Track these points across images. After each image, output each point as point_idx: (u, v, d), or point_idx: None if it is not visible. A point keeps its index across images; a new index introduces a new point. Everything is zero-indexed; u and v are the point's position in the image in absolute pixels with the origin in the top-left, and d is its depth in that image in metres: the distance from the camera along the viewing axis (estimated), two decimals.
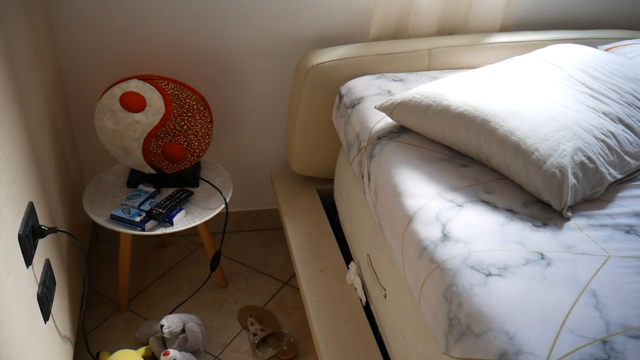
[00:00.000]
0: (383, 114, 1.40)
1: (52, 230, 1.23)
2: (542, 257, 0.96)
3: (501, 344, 0.81)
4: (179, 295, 1.81)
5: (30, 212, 1.16)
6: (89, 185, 1.68)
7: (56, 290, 1.32)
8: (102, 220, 1.55)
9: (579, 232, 1.03)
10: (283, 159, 2.01)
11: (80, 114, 1.76)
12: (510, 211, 1.08)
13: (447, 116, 1.22)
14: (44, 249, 1.26)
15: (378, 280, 1.32)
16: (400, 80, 1.58)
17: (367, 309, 1.41)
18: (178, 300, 1.78)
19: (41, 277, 1.21)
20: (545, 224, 1.05)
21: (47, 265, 1.27)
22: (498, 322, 0.84)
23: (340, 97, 1.57)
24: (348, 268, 1.50)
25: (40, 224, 1.22)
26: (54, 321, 1.29)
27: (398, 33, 1.76)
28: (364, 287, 1.42)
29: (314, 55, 1.65)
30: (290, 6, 1.71)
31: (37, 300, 1.16)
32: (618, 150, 1.19)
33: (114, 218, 1.56)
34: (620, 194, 1.16)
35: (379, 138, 1.33)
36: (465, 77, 1.36)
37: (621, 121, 1.26)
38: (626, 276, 0.92)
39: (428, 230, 1.04)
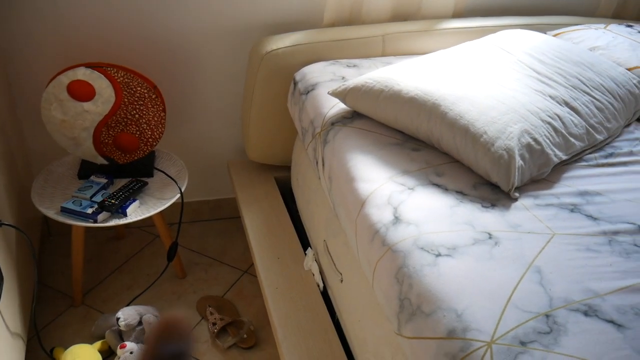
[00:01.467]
0: (337, 100, 1.40)
1: None
2: (490, 236, 0.98)
3: (449, 322, 0.83)
4: (136, 287, 1.78)
5: None
6: (38, 177, 1.63)
7: (4, 287, 1.28)
8: (52, 213, 1.51)
9: (525, 211, 1.06)
10: (240, 147, 1.99)
11: (27, 104, 1.70)
12: (461, 193, 1.10)
13: (398, 101, 1.23)
14: None
15: (334, 265, 1.32)
16: (355, 66, 1.58)
17: (325, 294, 1.42)
18: (135, 293, 1.75)
19: None
20: (493, 204, 1.07)
21: None
22: (446, 301, 0.85)
23: (295, 83, 1.56)
24: (305, 254, 1.51)
25: None
26: (3, 318, 1.25)
27: (352, 19, 1.76)
28: (321, 272, 1.43)
29: (268, 41, 1.63)
30: None
31: None
32: (563, 132, 1.22)
33: (65, 210, 1.51)
34: (565, 175, 1.19)
35: (332, 124, 1.33)
36: (417, 63, 1.37)
37: (567, 104, 1.29)
38: (569, 253, 0.95)
39: (380, 214, 1.05)
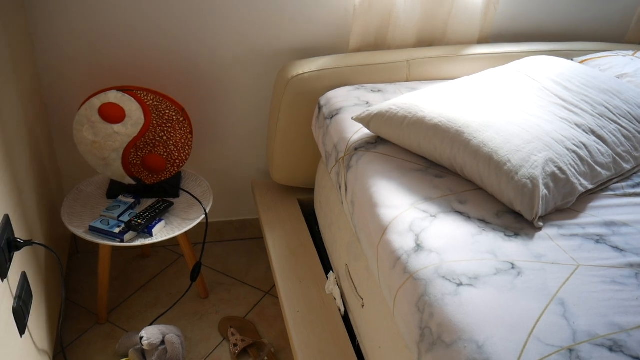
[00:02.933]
0: (361, 125, 1.41)
1: (28, 243, 1.22)
2: (513, 266, 0.97)
3: (470, 353, 0.82)
4: (160, 306, 1.80)
5: (6, 224, 1.16)
6: (68, 196, 1.67)
7: (33, 304, 1.31)
8: (80, 232, 1.54)
9: (549, 241, 1.05)
10: (264, 168, 2.01)
11: (60, 125, 1.76)
12: (483, 221, 1.09)
13: (422, 127, 1.24)
14: (20, 262, 1.25)
15: (356, 289, 1.32)
16: (379, 91, 1.60)
17: (346, 318, 1.42)
18: (158, 312, 1.78)
19: (17, 290, 1.21)
20: (516, 233, 1.06)
21: (24, 278, 1.26)
22: (468, 332, 0.85)
23: (320, 107, 1.58)
24: (327, 278, 1.51)
25: (16, 236, 1.22)
26: (31, 335, 1.28)
27: (377, 44, 1.78)
28: (342, 296, 1.43)
29: (294, 66, 1.66)
30: (270, 17, 1.72)
31: (12, 314, 1.15)
32: (589, 161, 1.21)
33: (93, 230, 1.55)
34: (591, 204, 1.18)
35: (356, 149, 1.34)
36: (441, 89, 1.37)
37: (593, 132, 1.28)
38: (594, 285, 0.94)
39: (402, 241, 1.05)
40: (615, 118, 1.35)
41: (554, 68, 1.49)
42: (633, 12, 1.99)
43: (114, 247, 1.94)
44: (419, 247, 1.02)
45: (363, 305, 1.28)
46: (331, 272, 1.51)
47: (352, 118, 1.39)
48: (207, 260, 2.01)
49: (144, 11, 1.63)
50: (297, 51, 1.80)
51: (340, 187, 1.37)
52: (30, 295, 1.29)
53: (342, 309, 1.41)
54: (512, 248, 1.02)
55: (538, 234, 1.06)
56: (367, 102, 1.52)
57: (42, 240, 1.50)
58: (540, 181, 1.10)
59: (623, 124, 1.34)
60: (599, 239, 1.06)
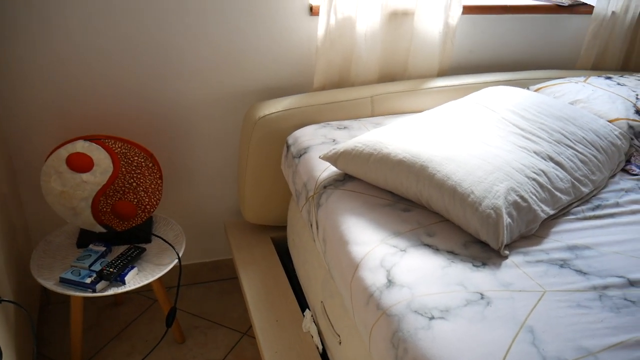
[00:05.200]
0: (328, 163, 1.44)
1: None
2: (482, 296, 1.00)
3: None
4: (136, 354, 1.77)
5: None
6: (37, 248, 1.65)
7: None
8: (50, 284, 1.52)
9: (516, 269, 1.08)
10: (236, 208, 2.02)
11: (27, 176, 1.74)
12: (452, 253, 1.12)
13: (387, 164, 1.27)
14: None
15: (332, 327, 1.33)
16: (345, 128, 1.63)
17: (324, 355, 1.42)
18: None
19: None
20: (484, 263, 1.09)
21: None
22: None
23: (288, 147, 1.61)
24: (304, 315, 1.51)
25: None
26: None
27: (341, 81, 1.82)
28: (320, 334, 1.43)
29: (261, 106, 1.69)
30: (235, 59, 1.76)
31: None
32: (549, 187, 1.25)
33: (64, 281, 1.53)
34: (554, 229, 1.22)
35: (324, 187, 1.36)
36: (404, 124, 1.42)
37: (551, 159, 1.33)
38: (561, 310, 0.97)
39: (374, 277, 1.07)
40: (571, 144, 1.41)
41: (511, 98, 1.55)
42: (582, 39, 2.09)
43: (86, 297, 1.90)
44: (390, 282, 1.04)
45: (340, 342, 1.28)
46: (307, 310, 1.51)
47: (319, 157, 1.42)
48: (182, 303, 1.99)
49: (110, 58, 1.65)
50: (263, 91, 1.83)
51: (311, 225, 1.38)
52: None
53: (320, 347, 1.41)
54: (480, 278, 1.04)
55: (505, 263, 1.10)
56: (334, 140, 1.55)
57: (11, 294, 1.47)
58: (504, 210, 1.13)
59: (579, 149, 1.40)
60: (563, 264, 1.10)
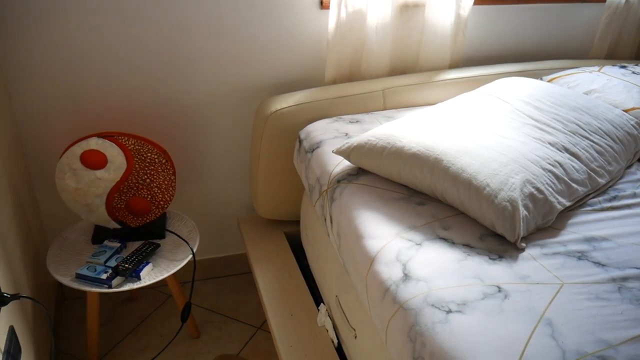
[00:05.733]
0: (341, 157, 1.44)
1: (15, 297, 1.21)
2: (499, 289, 0.99)
3: None
4: (151, 349, 1.78)
5: None
6: (53, 244, 1.66)
7: (22, 357, 1.29)
8: (67, 280, 1.53)
9: (533, 262, 1.07)
10: (249, 203, 2.02)
11: (41, 173, 1.75)
12: (467, 246, 1.11)
13: (401, 157, 1.26)
14: (7, 316, 1.24)
15: (347, 321, 1.33)
16: (357, 121, 1.63)
17: (340, 350, 1.42)
18: (150, 355, 1.76)
19: (5, 345, 1.19)
20: (501, 256, 1.08)
21: (12, 332, 1.24)
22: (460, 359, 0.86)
23: (300, 141, 1.60)
24: (318, 310, 1.51)
25: (2, 291, 1.20)
26: None
27: (352, 75, 1.81)
28: (335, 328, 1.43)
29: (272, 101, 1.69)
30: (246, 55, 1.75)
31: None
32: (565, 178, 1.24)
33: (80, 277, 1.54)
34: (571, 221, 1.21)
35: (338, 181, 1.36)
36: (417, 117, 1.41)
37: (567, 150, 1.32)
38: (579, 302, 0.96)
39: (390, 271, 1.06)
40: (586, 134, 1.39)
41: (525, 89, 1.53)
42: (596, 28, 2.07)
43: (102, 293, 1.92)
44: (406, 276, 1.04)
45: (355, 336, 1.28)
46: (322, 304, 1.51)
47: (332, 151, 1.41)
48: (196, 298, 2.00)
49: (121, 56, 1.65)
50: (275, 86, 1.83)
51: (325, 220, 1.38)
52: (18, 349, 1.27)
53: (335, 341, 1.42)
54: (497, 271, 1.04)
55: (521, 255, 1.09)
56: (346, 134, 1.54)
57: (29, 290, 1.48)
58: (520, 203, 1.12)
59: (595, 140, 1.39)
60: (581, 256, 1.09)
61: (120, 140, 1.56)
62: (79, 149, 1.54)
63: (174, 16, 1.64)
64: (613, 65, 1.82)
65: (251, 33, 1.73)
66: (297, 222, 1.87)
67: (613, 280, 1.02)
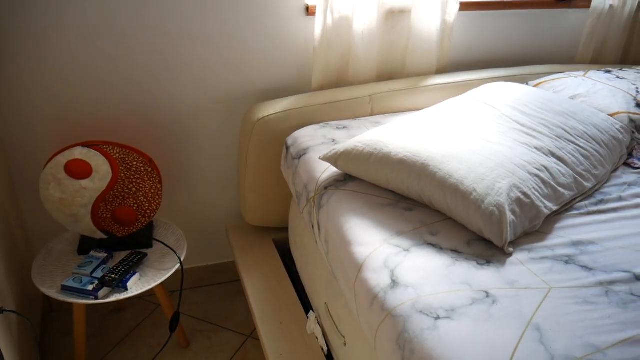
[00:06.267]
0: (329, 164, 1.43)
1: None
2: (488, 295, 0.99)
3: None
4: None
5: None
6: (38, 256, 1.64)
7: None
8: (53, 293, 1.51)
9: (521, 266, 1.07)
10: (237, 211, 2.01)
11: (26, 184, 1.73)
12: (455, 251, 1.11)
13: (388, 163, 1.26)
14: None
15: (337, 328, 1.32)
16: (344, 127, 1.63)
17: (330, 357, 1.41)
18: None
19: None
20: (489, 261, 1.08)
21: None
22: None
23: (287, 148, 1.60)
24: (308, 317, 1.50)
25: None
26: None
27: (339, 81, 1.81)
28: (324, 335, 1.42)
29: (259, 108, 1.68)
30: (232, 62, 1.75)
31: None
32: (552, 183, 1.25)
33: (66, 289, 1.52)
34: (557, 225, 1.21)
35: (325, 188, 1.35)
36: (404, 123, 1.41)
37: (553, 154, 1.33)
38: (567, 307, 0.96)
39: (378, 278, 1.06)
40: (572, 139, 1.40)
41: (511, 94, 1.54)
42: (581, 34, 2.08)
43: (88, 304, 1.89)
44: (394, 283, 1.03)
45: (345, 344, 1.27)
46: (311, 311, 1.50)
47: (319, 158, 1.41)
48: (185, 307, 1.98)
49: (106, 64, 1.64)
50: (261, 93, 1.82)
51: (313, 227, 1.37)
52: None
53: (325, 348, 1.41)
54: (485, 276, 1.04)
55: (509, 260, 1.09)
56: (334, 140, 1.54)
57: (13, 304, 1.46)
58: (507, 208, 1.12)
59: (580, 144, 1.40)
60: (568, 260, 1.09)
61: (105, 149, 1.54)
62: (63, 158, 1.52)
63: (160, 25, 1.63)
64: (598, 70, 1.83)
65: (237, 40, 1.72)
66: (285, 229, 1.86)
67: (600, 284, 1.02)
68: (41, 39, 1.55)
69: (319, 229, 1.32)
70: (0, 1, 1.48)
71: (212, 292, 2.07)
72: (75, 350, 1.63)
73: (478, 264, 1.07)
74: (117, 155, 1.56)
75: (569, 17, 2.06)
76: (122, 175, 1.58)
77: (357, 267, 1.11)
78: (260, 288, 1.64)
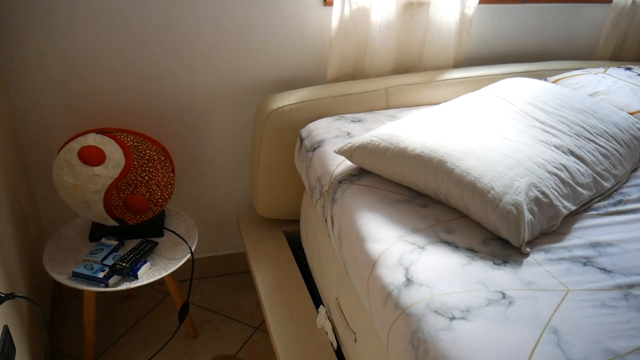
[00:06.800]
0: (343, 157, 1.41)
1: (9, 296, 1.19)
2: (504, 296, 0.97)
3: None
4: (148, 349, 1.76)
5: None
6: (50, 242, 1.64)
7: (17, 356, 1.27)
8: (63, 279, 1.51)
9: (538, 267, 1.05)
10: (248, 201, 2.00)
11: (39, 169, 1.73)
12: (471, 250, 1.09)
13: (404, 158, 1.24)
14: (1, 315, 1.22)
15: (348, 324, 1.31)
16: (359, 120, 1.61)
17: (339, 353, 1.40)
18: (147, 355, 1.74)
19: None
20: (505, 261, 1.07)
21: (6, 331, 1.22)
22: None
23: (301, 140, 1.58)
24: (318, 312, 1.49)
25: None
26: None
27: (355, 73, 1.79)
28: (334, 330, 1.41)
29: (273, 99, 1.66)
30: (247, 52, 1.73)
31: None
32: (571, 182, 1.22)
33: (76, 275, 1.52)
34: (576, 225, 1.19)
35: (340, 182, 1.34)
36: (421, 117, 1.39)
37: (572, 153, 1.30)
38: (585, 310, 0.94)
39: (392, 275, 1.04)
40: (592, 137, 1.37)
41: (529, 90, 1.51)
42: (601, 29, 2.04)
43: (98, 292, 1.90)
44: (409, 281, 1.02)
45: (356, 340, 1.26)
46: (322, 306, 1.50)
47: (334, 151, 1.39)
48: (194, 297, 1.98)
49: (120, 52, 1.63)
50: (276, 84, 1.80)
51: (326, 221, 1.36)
52: (12, 349, 1.25)
53: (335, 344, 1.40)
54: (501, 277, 1.02)
55: (526, 260, 1.07)
56: (348, 133, 1.52)
57: (24, 288, 1.46)
58: (525, 207, 1.10)
59: (600, 143, 1.37)
60: (586, 261, 1.07)
61: (119, 137, 1.53)
62: (77, 144, 1.52)
63: (174, 13, 1.62)
64: (618, 67, 1.80)
65: (252, 30, 1.70)
66: (296, 221, 1.84)
67: (619, 287, 1.00)
68: (54, 26, 1.54)
69: (332, 224, 1.31)
70: None
71: (222, 283, 2.06)
72: (84, 337, 1.64)
73: (494, 263, 1.06)
74: (131, 142, 1.55)
75: (590, 12, 2.01)
76: (135, 163, 1.57)
77: (371, 264, 1.09)
78: (271, 280, 1.63)
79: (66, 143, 1.53)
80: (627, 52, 2.03)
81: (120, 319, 1.88)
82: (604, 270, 1.04)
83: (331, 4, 1.70)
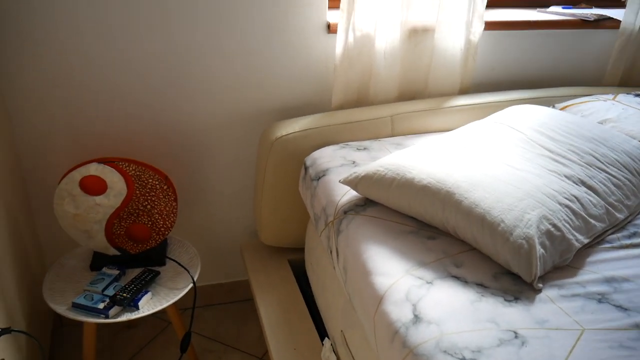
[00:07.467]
0: (348, 187, 1.39)
1: (6, 330, 1.16)
2: (516, 335, 0.93)
3: None
4: None
5: None
6: (50, 271, 1.61)
7: None
8: (63, 310, 1.48)
9: (551, 304, 1.01)
10: (252, 229, 1.97)
11: (40, 199, 1.71)
12: (481, 286, 1.06)
13: (411, 189, 1.21)
14: None
15: (353, 358, 1.27)
16: (365, 148, 1.58)
17: None
18: None
19: None
20: (516, 297, 1.03)
21: None
22: None
23: (306, 168, 1.56)
24: (323, 344, 1.45)
25: None
26: None
27: (360, 100, 1.77)
28: None
29: (277, 127, 1.65)
30: (251, 79, 1.72)
31: None
32: (583, 214, 1.19)
33: (76, 306, 1.49)
34: (589, 259, 1.15)
35: (345, 212, 1.31)
36: (427, 146, 1.36)
37: (583, 183, 1.27)
38: (602, 351, 0.90)
39: (399, 312, 1.01)
40: (603, 167, 1.34)
41: (537, 117, 1.49)
42: (609, 55, 2.03)
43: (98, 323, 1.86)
44: (417, 318, 0.98)
45: None
46: (327, 338, 1.46)
47: (339, 181, 1.37)
48: (196, 326, 1.94)
49: (122, 81, 1.62)
50: (280, 111, 1.79)
51: (331, 252, 1.33)
52: None
53: None
54: (513, 314, 0.98)
55: (538, 297, 1.03)
56: (354, 162, 1.50)
57: (22, 319, 1.43)
58: (536, 240, 1.07)
59: (612, 172, 1.34)
60: (601, 298, 1.03)
61: (121, 166, 1.52)
62: (78, 174, 1.50)
63: (175, 41, 1.61)
64: (628, 94, 1.78)
65: (256, 57, 1.69)
66: (301, 249, 1.81)
67: (637, 326, 0.96)
68: (57, 55, 1.54)
69: (337, 255, 1.28)
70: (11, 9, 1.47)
71: (224, 311, 2.02)
72: None
73: (505, 300, 1.02)
74: (133, 172, 1.53)
75: (596, 37, 2.00)
76: (137, 192, 1.55)
77: (378, 299, 1.06)
78: (274, 310, 1.59)
79: (67, 173, 1.51)
80: (635, 77, 2.01)
81: (121, 349, 1.84)
82: (620, 307, 1.01)
83: (335, 32, 1.69)
